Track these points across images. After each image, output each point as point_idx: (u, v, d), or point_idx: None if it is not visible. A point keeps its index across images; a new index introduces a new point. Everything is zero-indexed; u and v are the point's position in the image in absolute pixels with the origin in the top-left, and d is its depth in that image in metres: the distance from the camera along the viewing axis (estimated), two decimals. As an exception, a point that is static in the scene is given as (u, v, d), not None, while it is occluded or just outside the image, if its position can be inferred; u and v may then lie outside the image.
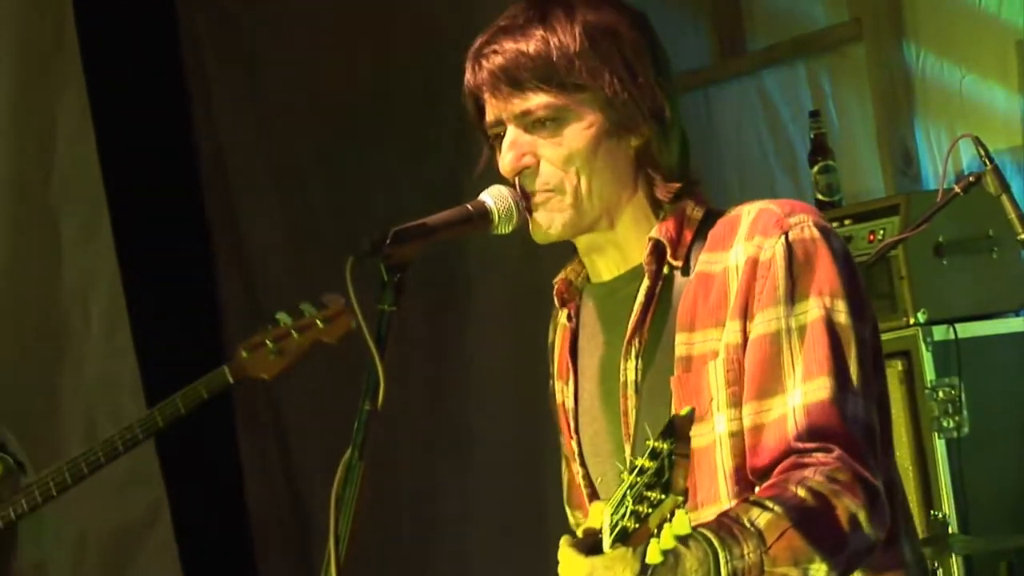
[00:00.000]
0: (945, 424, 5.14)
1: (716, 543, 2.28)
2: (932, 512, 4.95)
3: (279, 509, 7.64)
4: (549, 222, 2.63)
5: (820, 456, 2.41)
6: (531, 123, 2.61)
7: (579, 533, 2.71)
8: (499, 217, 2.60)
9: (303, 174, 7.43)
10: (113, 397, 6.51)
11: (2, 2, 6.41)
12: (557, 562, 2.42)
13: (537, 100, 2.59)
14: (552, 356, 2.89)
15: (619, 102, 2.60)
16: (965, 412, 5.19)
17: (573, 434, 2.76)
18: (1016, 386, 5.41)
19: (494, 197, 2.60)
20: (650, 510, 2.16)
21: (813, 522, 2.35)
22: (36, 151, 6.48)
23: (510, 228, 2.62)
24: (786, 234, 2.53)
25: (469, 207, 2.60)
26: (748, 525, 2.32)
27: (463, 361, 7.00)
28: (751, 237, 2.56)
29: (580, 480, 2.76)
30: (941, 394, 5.16)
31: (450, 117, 6.79)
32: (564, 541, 2.43)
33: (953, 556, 4.82)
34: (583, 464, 2.75)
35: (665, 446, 2.13)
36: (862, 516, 2.40)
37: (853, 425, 2.46)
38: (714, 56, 6.56)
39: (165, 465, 6.54)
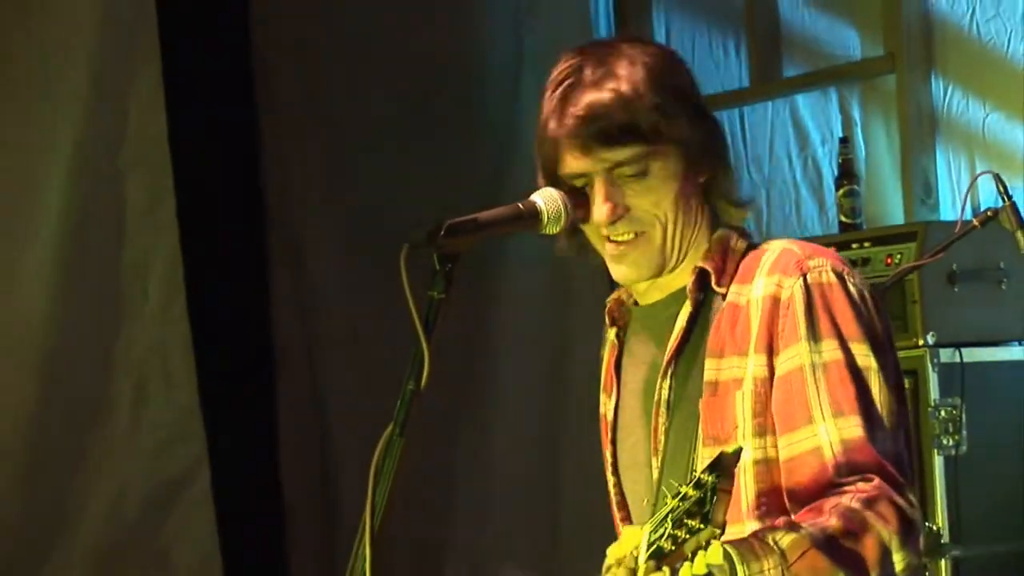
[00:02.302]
0: (945, 442, 5.18)
1: (735, 557, 2.29)
2: (927, 524, 4.88)
3: (312, 484, 7.56)
4: (636, 268, 2.66)
5: (860, 484, 2.43)
6: (620, 178, 2.63)
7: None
8: (548, 218, 2.61)
9: (356, 166, 7.38)
10: (165, 362, 6.50)
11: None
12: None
13: (625, 153, 2.60)
14: (602, 366, 2.88)
15: (694, 144, 2.64)
16: (964, 432, 5.21)
17: (610, 444, 2.80)
18: (1015, 411, 5.42)
19: (545, 199, 2.62)
20: (687, 536, 2.18)
21: (839, 545, 2.36)
22: (110, 118, 6.45)
23: (557, 229, 2.64)
24: (805, 276, 2.57)
25: (520, 206, 2.63)
26: (772, 544, 2.33)
27: (491, 350, 7.03)
28: (772, 274, 2.60)
29: (611, 488, 2.80)
30: (943, 413, 5.20)
31: (493, 119, 7.05)
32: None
33: (943, 561, 4.92)
34: (615, 473, 2.78)
35: (710, 479, 2.16)
36: (895, 544, 2.41)
37: (888, 459, 2.49)
38: (752, 79, 6.57)
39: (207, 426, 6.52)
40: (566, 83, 2.66)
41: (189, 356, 6.56)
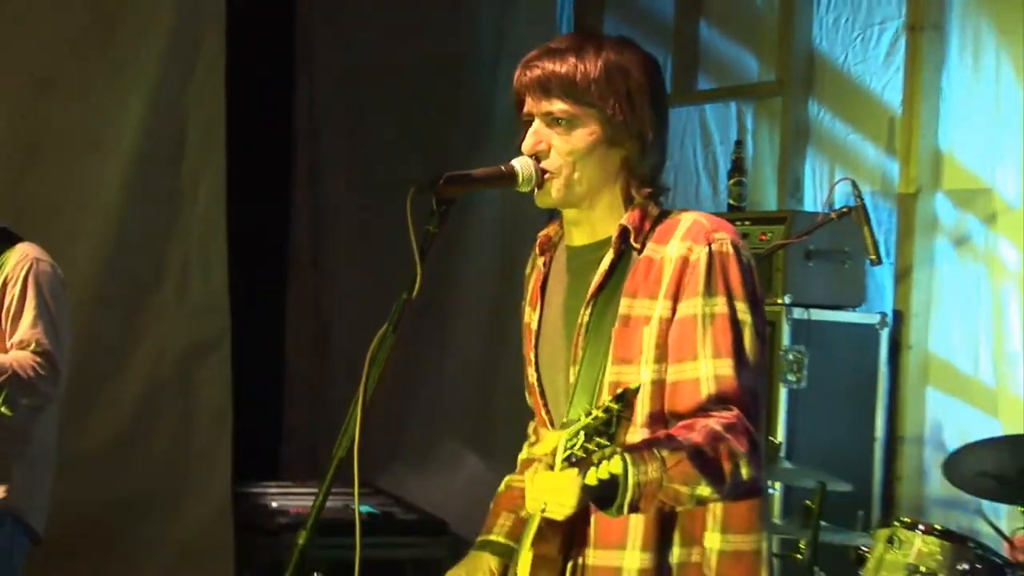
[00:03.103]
0: (790, 378, 5.23)
1: (628, 460, 2.28)
2: (770, 438, 4.79)
3: (312, 360, 7.60)
4: (547, 194, 2.59)
5: (724, 412, 2.43)
6: (550, 121, 2.58)
7: (530, 451, 2.87)
8: (522, 178, 2.57)
9: (381, 141, 7.31)
10: (205, 252, 6.47)
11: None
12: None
13: (558, 106, 2.56)
14: (526, 285, 2.83)
15: (615, 122, 2.56)
16: (805, 372, 5.26)
17: (533, 348, 2.74)
18: (845, 360, 5.47)
19: (521, 164, 2.58)
20: (596, 448, 2.26)
21: (704, 458, 2.35)
22: (181, 66, 6.41)
23: (528, 188, 2.59)
24: (710, 245, 2.52)
25: (503, 168, 2.58)
26: (656, 452, 2.32)
27: (450, 287, 6.97)
28: (684, 240, 2.54)
29: (533, 381, 2.74)
30: (791, 356, 5.24)
31: (477, 92, 7.00)
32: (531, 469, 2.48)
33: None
34: (537, 370, 2.72)
35: (616, 407, 2.24)
36: (743, 461, 2.41)
37: (747, 394, 2.48)
38: (673, 88, 6.40)
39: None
40: (540, 51, 2.64)
41: (223, 249, 6.51)
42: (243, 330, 6.61)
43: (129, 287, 6.37)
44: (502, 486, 2.88)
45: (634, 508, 2.33)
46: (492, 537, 2.77)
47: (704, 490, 2.38)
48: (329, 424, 6.93)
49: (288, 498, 6.66)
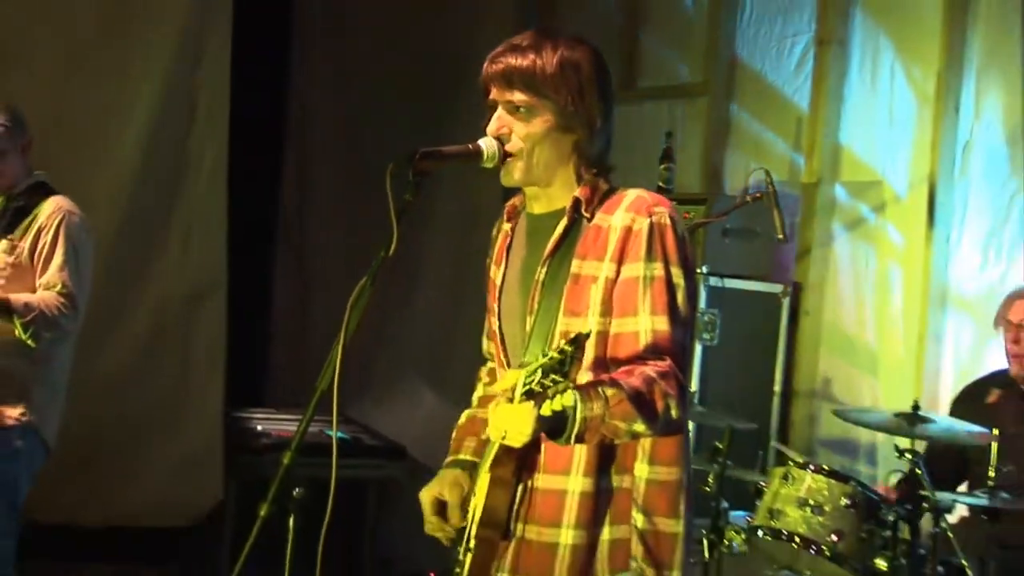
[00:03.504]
0: (705, 336, 5.24)
1: (577, 397, 2.30)
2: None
3: (295, 307, 7.56)
4: (510, 174, 2.60)
5: (658, 361, 2.44)
6: (512, 108, 2.57)
7: (486, 389, 2.89)
8: (487, 155, 2.56)
9: (362, 126, 7.27)
10: (207, 217, 6.45)
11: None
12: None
13: (518, 96, 2.56)
14: (493, 246, 2.83)
15: (568, 112, 2.56)
16: (717, 331, 5.28)
17: (496, 299, 2.74)
18: (752, 322, 5.51)
19: (486, 144, 2.57)
20: (551, 384, 2.25)
21: (641, 399, 2.36)
22: (193, 51, 6.39)
23: (492, 164, 2.58)
24: (651, 217, 2.52)
25: (470, 146, 2.58)
26: (601, 392, 2.33)
27: (418, 249, 6.95)
28: (629, 211, 2.54)
29: (495, 328, 2.74)
30: (706, 318, 5.25)
31: (447, 85, 6.87)
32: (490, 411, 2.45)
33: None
34: (499, 319, 2.72)
35: (570, 349, 2.24)
36: (673, 403, 2.42)
37: (678, 346, 2.49)
38: (617, 84, 6.37)
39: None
40: (505, 47, 2.63)
41: (223, 211, 6.49)
42: (237, 279, 6.60)
43: (141, 240, 6.35)
44: (463, 418, 2.88)
45: (580, 439, 2.35)
46: (460, 456, 2.77)
47: (639, 427, 2.39)
48: (310, 361, 6.93)
49: (272, 423, 6.67)
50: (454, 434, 2.86)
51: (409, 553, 5.98)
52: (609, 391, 2.35)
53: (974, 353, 5.03)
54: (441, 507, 2.68)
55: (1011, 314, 4.49)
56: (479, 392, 2.97)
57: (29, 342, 4.09)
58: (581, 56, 2.61)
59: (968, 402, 4.68)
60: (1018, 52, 5.06)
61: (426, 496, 2.71)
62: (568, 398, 2.28)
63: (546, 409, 2.28)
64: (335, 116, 7.45)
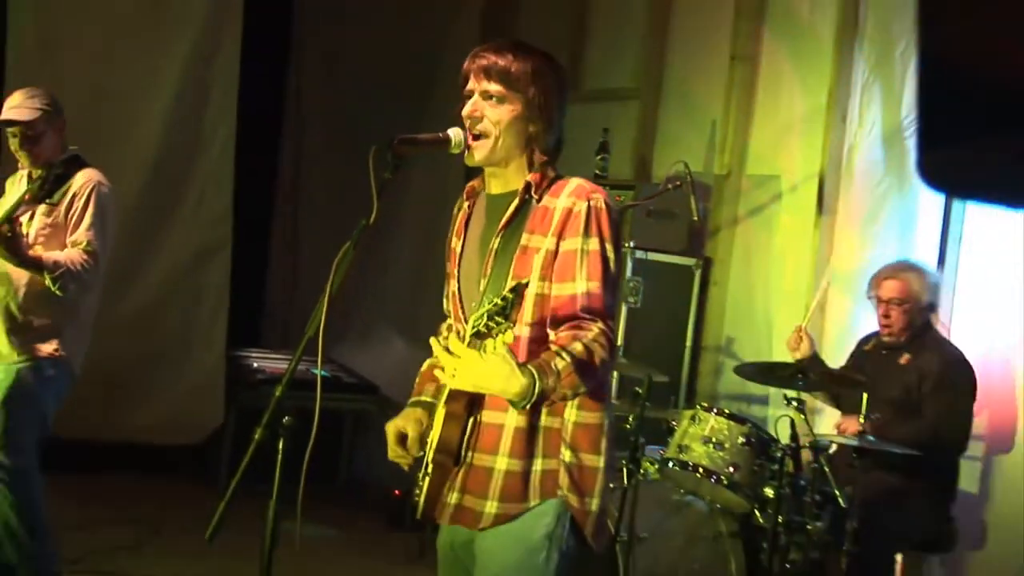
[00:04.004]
0: (629, 300, 5.20)
1: (535, 373, 2.29)
2: None
3: (289, 266, 7.55)
4: (473, 156, 2.58)
5: (591, 323, 2.43)
6: (486, 96, 2.56)
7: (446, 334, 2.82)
8: (454, 143, 2.54)
9: (349, 114, 7.21)
10: (218, 182, 6.45)
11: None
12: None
13: (494, 87, 2.54)
14: (453, 222, 2.79)
15: (532, 105, 2.55)
16: (640, 295, 5.24)
17: (456, 265, 2.72)
18: (669, 289, 5.48)
19: (454, 133, 2.55)
20: (496, 326, 2.26)
21: (584, 368, 2.36)
22: (210, 44, 6.39)
23: (458, 151, 2.56)
24: (589, 201, 2.50)
25: (441, 135, 2.56)
26: (553, 368, 2.32)
27: (394, 223, 6.89)
28: (570, 196, 2.52)
29: (453, 290, 2.72)
30: (631, 284, 5.22)
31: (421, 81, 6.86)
32: (449, 343, 2.43)
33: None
34: (458, 282, 2.71)
35: (512, 296, 2.26)
36: (606, 364, 2.42)
37: (607, 309, 2.48)
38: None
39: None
40: (488, 47, 2.61)
41: (230, 179, 6.52)
42: (241, 238, 6.60)
43: (161, 201, 6.33)
44: (424, 366, 2.84)
45: (536, 406, 2.38)
46: (421, 398, 2.75)
47: (581, 389, 2.40)
48: (300, 310, 6.91)
49: (266, 361, 6.66)
50: (417, 379, 2.83)
51: (379, 475, 5.98)
52: (560, 364, 2.34)
53: (850, 319, 5.05)
54: (402, 438, 2.66)
55: (880, 292, 4.50)
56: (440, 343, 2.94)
57: (58, 292, 4.09)
58: (549, 66, 2.62)
59: (855, 350, 4.71)
60: (896, 73, 5.08)
61: (391, 428, 2.68)
62: (509, 336, 2.28)
63: (490, 348, 2.30)
64: (326, 105, 7.42)
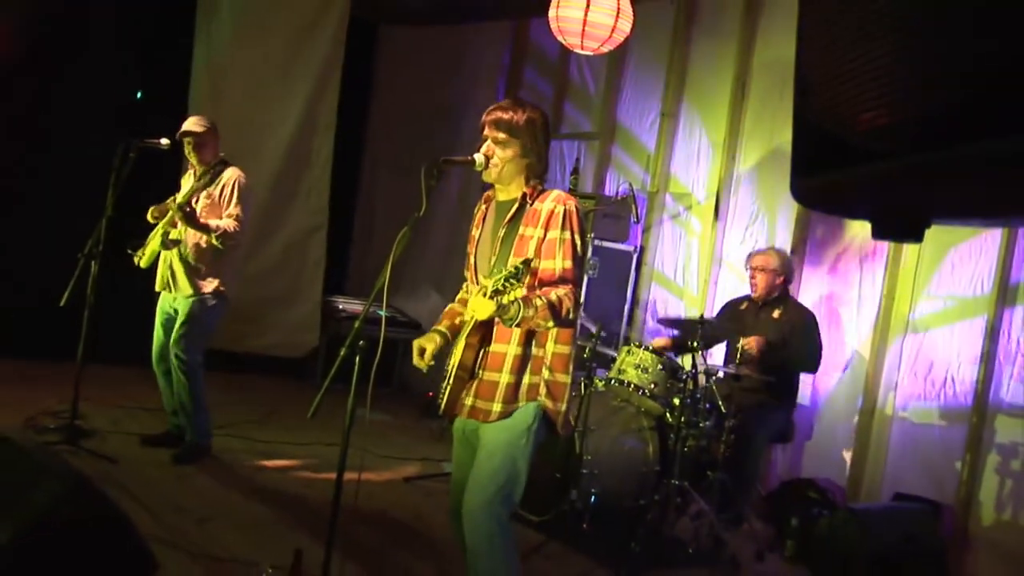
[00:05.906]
0: (589, 273, 5.16)
1: (521, 303, 2.26)
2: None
3: (363, 254, 7.36)
4: (490, 176, 2.53)
5: (564, 286, 2.39)
6: (496, 140, 2.51)
7: (462, 296, 2.77)
8: (478, 164, 2.49)
9: (410, 144, 6.98)
10: (318, 183, 6.33)
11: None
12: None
13: (501, 136, 2.48)
14: (474, 217, 2.72)
15: (527, 147, 2.51)
16: (597, 269, 5.21)
17: (474, 247, 2.66)
18: (616, 266, 5.34)
19: (478, 156, 2.49)
20: (509, 287, 2.20)
21: (554, 308, 2.32)
22: (319, 83, 6.25)
23: (480, 169, 2.49)
24: (564, 205, 2.45)
25: (469, 157, 2.49)
26: (533, 302, 2.30)
27: (435, 216, 6.73)
28: (552, 202, 2.46)
29: (472, 263, 2.66)
30: (591, 263, 5.18)
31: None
32: (474, 293, 2.33)
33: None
34: (475, 258, 2.65)
35: (521, 266, 2.20)
36: (570, 310, 2.37)
37: (575, 278, 2.43)
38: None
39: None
40: (497, 106, 2.54)
41: (328, 182, 6.41)
42: (334, 222, 6.52)
43: (281, 197, 6.23)
44: (447, 308, 2.79)
45: (518, 325, 2.32)
46: (440, 327, 2.69)
47: (551, 323, 2.36)
48: (371, 271, 6.83)
49: (349, 304, 6.61)
50: (441, 316, 2.78)
51: (419, 382, 5.96)
52: (538, 302, 2.31)
53: (733, 290, 5.03)
54: (421, 352, 2.60)
55: (751, 263, 4.49)
56: (459, 296, 2.89)
57: (219, 246, 4.09)
58: (537, 117, 2.56)
59: (731, 308, 4.68)
60: (771, 127, 5.03)
61: (415, 344, 2.63)
62: (519, 291, 2.22)
63: (504, 299, 2.22)
64: (391, 133, 7.29)
